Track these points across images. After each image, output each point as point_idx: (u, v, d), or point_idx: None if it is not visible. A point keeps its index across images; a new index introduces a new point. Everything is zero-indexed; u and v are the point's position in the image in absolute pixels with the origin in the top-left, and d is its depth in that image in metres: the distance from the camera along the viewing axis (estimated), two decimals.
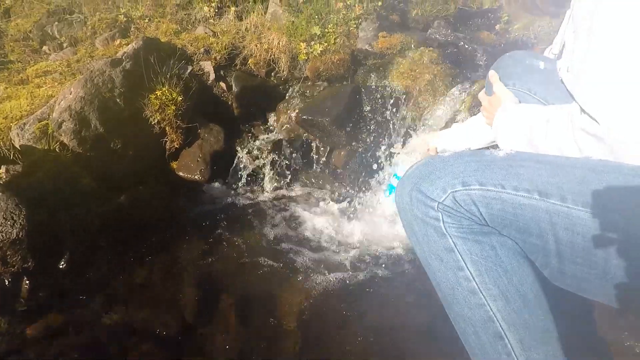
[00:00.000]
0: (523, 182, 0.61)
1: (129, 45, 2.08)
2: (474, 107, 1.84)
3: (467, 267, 0.65)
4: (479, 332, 0.67)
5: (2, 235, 1.28)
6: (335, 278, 1.68)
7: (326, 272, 1.71)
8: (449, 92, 2.00)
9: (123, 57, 2.01)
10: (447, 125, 1.94)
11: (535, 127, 0.75)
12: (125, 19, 2.54)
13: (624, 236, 0.54)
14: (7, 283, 1.29)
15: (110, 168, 1.94)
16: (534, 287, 0.65)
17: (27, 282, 1.33)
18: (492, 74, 1.03)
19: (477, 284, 0.65)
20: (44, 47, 2.47)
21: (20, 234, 1.31)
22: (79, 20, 2.51)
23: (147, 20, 2.57)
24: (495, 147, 1.13)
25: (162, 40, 2.34)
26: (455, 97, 1.95)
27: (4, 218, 1.30)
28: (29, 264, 1.36)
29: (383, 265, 1.74)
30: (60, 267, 1.45)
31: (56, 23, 2.47)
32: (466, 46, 2.27)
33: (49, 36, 2.49)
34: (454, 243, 0.65)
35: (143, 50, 2.08)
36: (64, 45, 2.46)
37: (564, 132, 0.67)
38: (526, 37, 2.28)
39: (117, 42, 2.44)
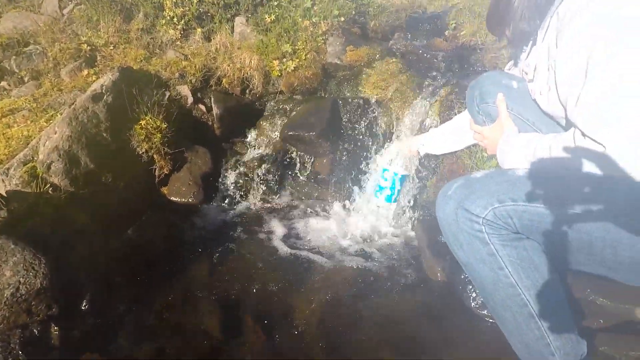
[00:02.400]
0: (544, 196, 0.81)
1: (106, 77, 2.07)
2: (443, 113, 2.09)
3: (507, 267, 0.85)
4: (516, 315, 0.87)
5: (27, 287, 1.29)
6: (341, 277, 1.83)
7: (331, 272, 1.86)
8: (417, 99, 2.23)
9: (103, 91, 2.00)
10: (419, 128, 2.17)
11: (539, 154, 0.90)
12: (88, 47, 2.48)
13: (615, 235, 0.77)
14: (36, 332, 1.30)
15: (103, 203, 1.94)
16: (553, 275, 0.86)
17: (55, 328, 1.34)
18: (500, 99, 1.11)
19: (514, 279, 0.85)
20: (2, 83, 2.35)
21: (44, 282, 1.33)
22: (37, 52, 2.41)
23: (112, 48, 2.53)
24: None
25: (135, 67, 2.34)
26: (423, 104, 2.19)
27: (25, 269, 1.31)
28: (54, 310, 1.38)
29: (382, 261, 1.93)
30: (83, 308, 1.47)
31: (14, 57, 2.36)
32: (425, 54, 2.52)
33: (7, 71, 2.37)
34: (495, 249, 0.84)
35: (121, 81, 2.08)
36: (25, 79, 2.36)
37: (565, 156, 0.83)
38: (474, 43, 2.57)
39: (85, 72, 2.39)
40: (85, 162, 1.87)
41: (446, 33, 2.91)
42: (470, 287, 1.62)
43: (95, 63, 2.46)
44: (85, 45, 2.48)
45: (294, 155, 2.46)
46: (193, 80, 2.41)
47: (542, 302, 0.86)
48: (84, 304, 1.48)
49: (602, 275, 0.91)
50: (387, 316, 1.62)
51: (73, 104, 1.99)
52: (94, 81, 2.25)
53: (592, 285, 1.40)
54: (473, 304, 1.58)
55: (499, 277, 0.86)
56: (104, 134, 1.95)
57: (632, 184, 0.78)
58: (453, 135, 1.73)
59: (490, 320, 1.52)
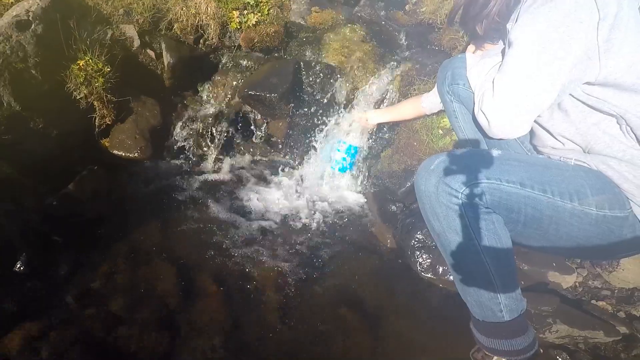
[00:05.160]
0: (511, 176, 0.91)
1: (32, 2, 1.74)
2: (403, 88, 2.15)
3: (476, 237, 0.94)
4: (476, 279, 0.98)
5: None
6: (296, 241, 1.87)
7: (285, 236, 1.89)
8: (378, 72, 2.26)
9: (30, 18, 1.68)
10: (379, 100, 2.22)
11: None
12: None
13: (560, 214, 0.90)
14: None
15: (33, 152, 1.70)
16: (510, 245, 0.98)
17: None
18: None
19: (480, 248, 0.95)
20: None
21: None
22: None
23: None
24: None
25: None
26: (385, 76, 2.23)
27: None
28: None
29: (336, 227, 2.00)
30: (18, 270, 1.32)
31: None
32: (387, 26, 2.52)
33: None
34: (468, 221, 0.93)
35: (53, 9, 1.77)
36: None
37: None
38: (432, 21, 2.64)
39: None
40: (8, 102, 1.60)
41: (406, 7, 2.93)
42: (418, 252, 1.77)
43: None
44: None
45: (249, 115, 2.36)
46: (140, 21, 2.14)
47: (499, 268, 0.99)
48: (19, 265, 1.32)
49: (540, 247, 1.07)
50: (341, 279, 1.72)
51: None
52: (12, 4, 1.88)
53: (517, 253, 1.63)
54: (419, 268, 1.74)
55: (467, 246, 0.97)
56: (33, 71, 1.66)
57: (574, 174, 0.93)
58: (407, 112, 1.81)
59: (432, 282, 1.70)
